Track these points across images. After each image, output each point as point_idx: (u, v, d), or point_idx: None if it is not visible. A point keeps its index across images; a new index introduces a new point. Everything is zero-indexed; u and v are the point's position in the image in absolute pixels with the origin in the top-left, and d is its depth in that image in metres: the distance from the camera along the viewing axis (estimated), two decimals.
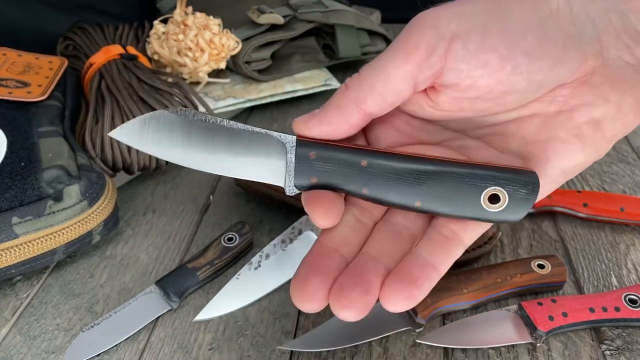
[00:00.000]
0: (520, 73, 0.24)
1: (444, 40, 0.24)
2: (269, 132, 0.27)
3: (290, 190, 0.27)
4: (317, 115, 0.26)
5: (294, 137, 0.27)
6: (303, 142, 0.26)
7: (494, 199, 0.25)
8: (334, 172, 0.26)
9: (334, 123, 0.26)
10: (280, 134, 0.27)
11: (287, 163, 0.27)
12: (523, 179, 0.25)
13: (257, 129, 0.27)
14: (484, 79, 0.24)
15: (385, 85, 0.24)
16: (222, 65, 0.63)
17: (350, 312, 0.24)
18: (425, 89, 0.26)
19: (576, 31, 0.24)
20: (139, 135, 0.27)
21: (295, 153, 0.26)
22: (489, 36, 0.23)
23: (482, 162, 0.26)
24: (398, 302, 0.24)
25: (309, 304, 0.24)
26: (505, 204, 0.25)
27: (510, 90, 0.25)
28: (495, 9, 0.24)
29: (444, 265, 0.26)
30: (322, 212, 0.26)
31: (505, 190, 0.25)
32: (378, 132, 0.30)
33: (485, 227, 0.28)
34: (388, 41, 0.72)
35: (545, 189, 0.27)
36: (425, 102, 0.26)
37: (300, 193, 0.27)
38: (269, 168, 0.27)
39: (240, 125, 0.27)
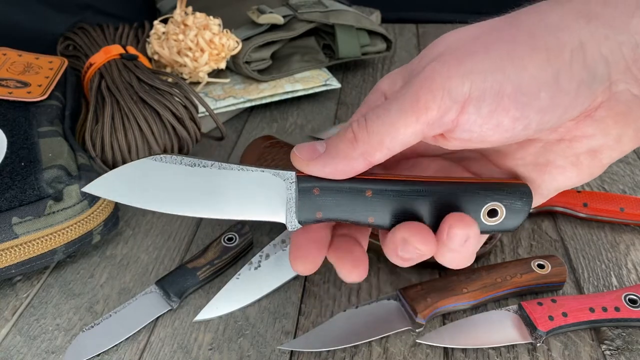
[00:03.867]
0: (531, 128, 0.24)
1: (457, 103, 0.23)
2: (265, 170, 0.26)
3: (293, 226, 0.27)
4: (322, 158, 0.25)
5: (293, 173, 0.26)
6: (304, 178, 0.26)
7: (492, 213, 0.26)
8: (338, 205, 0.26)
9: (338, 170, 0.25)
10: (276, 171, 0.26)
11: (287, 199, 0.26)
12: (518, 192, 0.26)
13: (252, 169, 0.26)
14: (495, 136, 0.24)
15: (394, 141, 0.24)
16: (222, 65, 0.63)
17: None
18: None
19: (589, 76, 0.23)
20: (117, 189, 0.25)
21: (297, 189, 0.26)
22: (503, 99, 0.23)
23: (479, 179, 0.27)
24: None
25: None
26: (503, 217, 0.26)
27: (520, 137, 0.25)
28: (509, 66, 0.23)
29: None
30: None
31: (503, 205, 0.26)
32: None
33: (484, 238, 0.29)
34: (388, 41, 0.72)
35: (536, 201, 0.28)
36: (433, 141, 0.26)
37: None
38: (268, 207, 0.26)
39: (234, 167, 0.26)
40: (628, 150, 0.26)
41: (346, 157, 0.25)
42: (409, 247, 0.25)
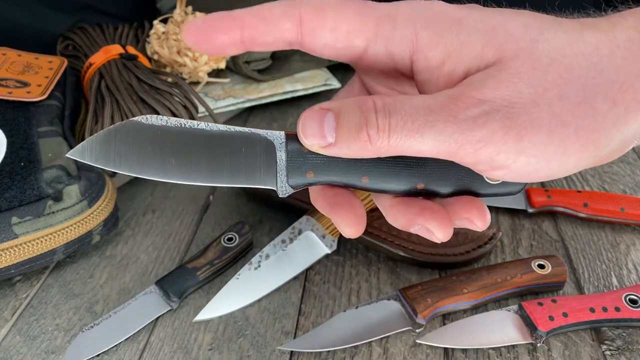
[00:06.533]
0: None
1: (491, 167, 0.23)
2: (253, 130, 0.25)
3: (284, 191, 0.25)
4: (330, 149, 0.23)
5: (282, 133, 0.25)
6: (294, 137, 0.25)
7: None
8: (330, 163, 0.25)
9: (349, 156, 0.24)
10: (266, 131, 0.25)
11: (277, 162, 0.25)
12: None
13: (240, 129, 0.24)
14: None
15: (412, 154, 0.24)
16: (222, 65, 0.63)
17: None
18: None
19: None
20: (103, 152, 0.24)
21: (286, 149, 0.25)
22: (529, 175, 0.23)
23: None
24: None
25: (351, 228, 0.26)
26: None
27: None
28: (556, 159, 0.22)
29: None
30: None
31: None
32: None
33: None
34: None
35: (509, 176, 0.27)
36: None
37: (295, 192, 0.26)
38: (258, 171, 0.25)
39: (221, 127, 0.24)
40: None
41: (356, 154, 0.23)
42: (429, 235, 0.25)
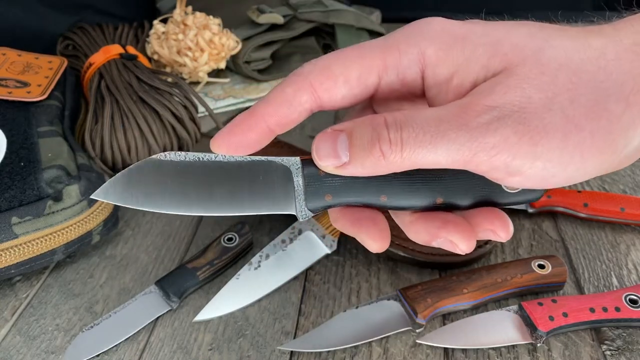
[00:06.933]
0: None
1: (506, 173, 0.22)
2: (269, 158, 0.25)
3: (303, 215, 0.26)
4: (345, 168, 0.24)
5: (298, 159, 0.25)
6: (309, 161, 0.25)
7: None
8: (347, 184, 0.25)
9: (364, 175, 0.24)
10: (281, 158, 0.25)
11: (295, 187, 0.25)
12: None
13: (256, 158, 0.25)
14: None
15: (426, 166, 0.23)
16: (222, 65, 0.63)
17: None
18: None
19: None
20: (126, 192, 0.24)
21: (303, 174, 0.25)
22: (545, 181, 0.23)
23: None
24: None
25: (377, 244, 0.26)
26: None
27: None
28: (572, 164, 0.22)
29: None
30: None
31: None
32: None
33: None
34: None
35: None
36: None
37: (314, 215, 0.26)
38: (276, 198, 0.25)
39: (238, 158, 0.25)
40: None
41: (372, 171, 0.23)
42: (453, 248, 0.25)
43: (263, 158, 0.25)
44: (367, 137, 0.23)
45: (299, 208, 0.25)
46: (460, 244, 0.24)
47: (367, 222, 0.26)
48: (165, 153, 0.25)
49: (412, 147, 0.22)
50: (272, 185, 0.25)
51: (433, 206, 0.26)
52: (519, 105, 0.21)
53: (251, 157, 0.25)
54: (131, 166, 0.24)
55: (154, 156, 0.25)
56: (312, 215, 0.26)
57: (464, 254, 0.25)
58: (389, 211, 0.27)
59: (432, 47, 0.24)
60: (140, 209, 0.24)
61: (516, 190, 0.26)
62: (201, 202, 0.25)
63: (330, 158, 0.23)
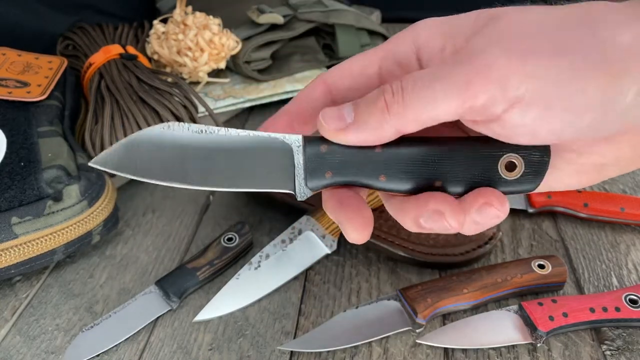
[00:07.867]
0: (562, 140, 0.24)
1: (507, 102, 0.22)
2: (271, 134, 0.25)
3: (302, 194, 0.25)
4: (350, 129, 0.24)
5: (300, 136, 0.25)
6: (311, 139, 0.25)
7: (510, 166, 0.26)
8: (347, 163, 0.25)
9: (367, 141, 0.24)
10: (283, 135, 0.25)
11: (295, 165, 0.25)
12: (535, 147, 0.25)
13: (259, 134, 0.25)
14: (525, 139, 0.24)
15: (430, 119, 0.23)
16: (222, 65, 0.63)
17: None
18: None
19: (633, 116, 0.23)
20: (125, 160, 0.24)
21: (304, 152, 0.25)
22: (549, 112, 0.22)
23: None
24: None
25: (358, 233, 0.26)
26: (522, 171, 0.26)
27: (547, 142, 0.25)
28: (569, 83, 0.22)
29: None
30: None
31: (521, 156, 0.25)
32: None
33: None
34: None
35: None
36: (465, 122, 0.26)
37: (312, 195, 0.26)
38: (276, 175, 0.25)
39: (240, 132, 0.25)
40: (635, 169, 0.26)
41: (377, 129, 0.24)
42: (441, 220, 0.24)
43: (265, 134, 0.25)
44: (371, 97, 0.24)
45: (298, 187, 0.25)
46: (448, 216, 0.24)
47: (353, 207, 0.26)
48: (169, 124, 0.25)
49: (412, 93, 0.23)
50: (273, 162, 0.25)
51: (431, 189, 0.26)
52: (507, 33, 0.23)
53: (253, 132, 0.25)
54: (131, 135, 0.24)
55: (155, 126, 0.24)
56: (311, 194, 0.26)
57: (451, 228, 0.25)
58: (389, 212, 0.27)
59: (424, 31, 0.26)
60: (137, 178, 0.24)
61: (514, 177, 0.26)
62: (200, 175, 0.25)
63: (335, 119, 0.24)
